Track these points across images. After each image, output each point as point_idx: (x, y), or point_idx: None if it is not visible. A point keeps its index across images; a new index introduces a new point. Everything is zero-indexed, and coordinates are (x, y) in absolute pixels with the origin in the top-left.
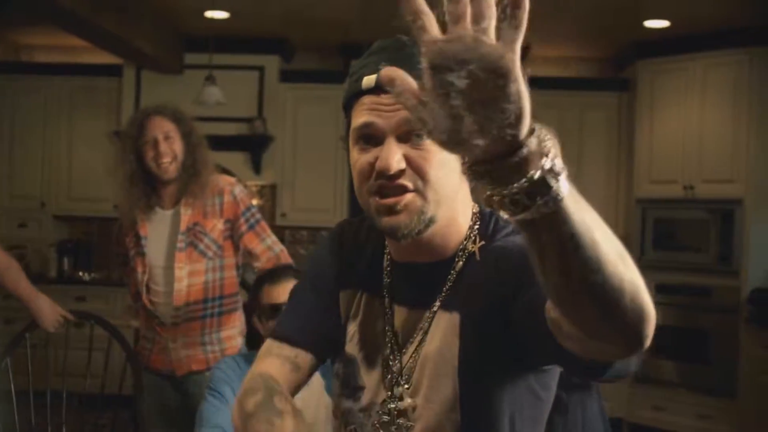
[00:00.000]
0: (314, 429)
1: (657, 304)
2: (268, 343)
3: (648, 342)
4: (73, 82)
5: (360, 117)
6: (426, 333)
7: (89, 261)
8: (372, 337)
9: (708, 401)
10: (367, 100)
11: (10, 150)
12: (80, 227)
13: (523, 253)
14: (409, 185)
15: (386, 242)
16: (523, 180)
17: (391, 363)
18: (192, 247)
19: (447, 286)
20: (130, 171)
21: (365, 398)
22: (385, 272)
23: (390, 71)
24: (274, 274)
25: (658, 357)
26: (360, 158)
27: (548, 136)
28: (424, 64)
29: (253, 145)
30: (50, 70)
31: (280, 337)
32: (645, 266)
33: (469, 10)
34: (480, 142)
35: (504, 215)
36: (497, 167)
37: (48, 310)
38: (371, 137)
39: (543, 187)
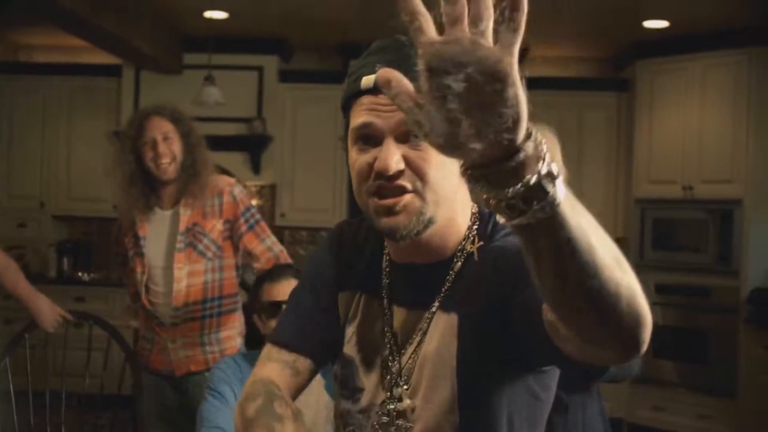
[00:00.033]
0: (314, 429)
1: (656, 304)
2: (268, 348)
3: (644, 347)
4: (72, 82)
5: (358, 117)
6: (425, 334)
7: (88, 261)
8: (371, 339)
9: (708, 401)
10: (365, 100)
11: (9, 150)
12: (79, 227)
13: (521, 253)
14: (408, 186)
15: (385, 243)
16: (520, 185)
17: (390, 364)
18: (191, 247)
19: (446, 287)
20: (129, 171)
21: (364, 399)
22: (384, 273)
23: (387, 73)
24: (274, 272)
25: (658, 357)
26: (358, 159)
27: (545, 141)
28: (420, 66)
29: (253, 146)
30: (49, 70)
31: (279, 343)
32: (644, 266)
33: (466, 12)
34: (477, 146)
35: (500, 219)
36: (493, 171)
37: (47, 310)
38: (370, 137)
39: (539, 192)
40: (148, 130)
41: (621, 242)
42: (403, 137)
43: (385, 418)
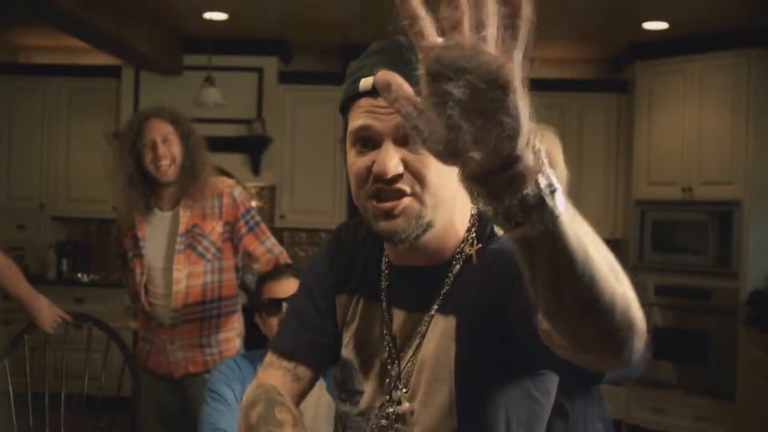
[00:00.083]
0: (315, 430)
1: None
2: (270, 354)
3: (637, 356)
4: (71, 83)
5: (357, 120)
6: (423, 337)
7: (88, 262)
8: (369, 341)
9: (706, 403)
10: (364, 102)
11: (9, 151)
12: (79, 228)
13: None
14: (407, 189)
15: (384, 245)
16: (518, 196)
17: (389, 367)
18: (191, 249)
19: (444, 290)
20: (128, 173)
21: (363, 402)
22: (383, 276)
23: (386, 75)
24: (275, 271)
25: (657, 359)
26: (357, 161)
27: (547, 152)
28: (421, 71)
29: (252, 147)
30: (49, 71)
31: (278, 352)
32: (644, 268)
33: (467, 17)
34: (476, 154)
35: (498, 230)
36: (492, 181)
37: (46, 310)
38: (368, 140)
39: (539, 205)
40: (148, 132)
41: (620, 244)
42: (402, 140)
43: (384, 422)
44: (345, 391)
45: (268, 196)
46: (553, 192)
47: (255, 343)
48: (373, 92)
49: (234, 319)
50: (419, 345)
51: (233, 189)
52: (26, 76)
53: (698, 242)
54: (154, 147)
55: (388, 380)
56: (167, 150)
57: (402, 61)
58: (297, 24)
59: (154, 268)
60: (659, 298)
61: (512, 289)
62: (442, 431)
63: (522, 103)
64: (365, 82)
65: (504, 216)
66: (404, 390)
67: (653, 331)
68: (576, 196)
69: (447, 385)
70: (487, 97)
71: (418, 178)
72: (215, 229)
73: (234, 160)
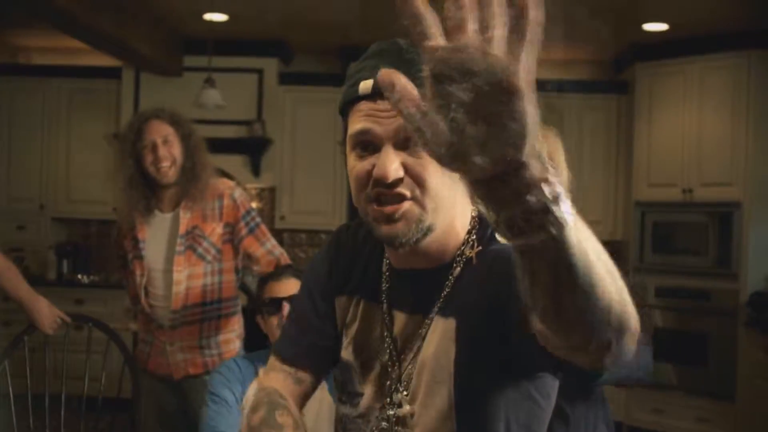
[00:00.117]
0: (317, 430)
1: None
2: (272, 359)
3: (629, 355)
4: (72, 84)
5: (357, 123)
6: (424, 339)
7: (88, 264)
8: (370, 344)
9: (707, 404)
10: (364, 106)
11: (9, 152)
12: (79, 230)
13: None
14: (407, 194)
15: (385, 247)
16: (522, 204)
17: (390, 370)
18: (191, 250)
19: (445, 292)
20: (128, 174)
21: (363, 404)
22: (384, 277)
23: (389, 74)
24: (276, 272)
25: (657, 360)
26: (357, 165)
27: (551, 161)
28: (424, 72)
29: (252, 148)
30: (49, 72)
31: (279, 357)
32: (644, 269)
33: (472, 17)
34: (479, 159)
35: (500, 238)
36: (495, 189)
37: (46, 312)
38: (368, 144)
39: (542, 212)
40: (148, 133)
41: (620, 245)
42: (402, 144)
43: (384, 424)
44: (345, 393)
45: (268, 197)
46: (557, 199)
47: (255, 345)
48: (373, 95)
49: (234, 321)
50: (420, 347)
51: (233, 190)
52: (26, 77)
53: (698, 244)
54: (154, 148)
55: (388, 383)
56: (167, 151)
57: (402, 62)
58: (297, 25)
59: (154, 270)
60: (659, 300)
61: (511, 289)
62: None
63: (529, 108)
64: (365, 85)
65: (506, 224)
66: (405, 393)
67: (653, 332)
68: (576, 197)
69: (446, 387)
70: (492, 100)
71: (419, 182)
72: (215, 230)
73: (234, 162)
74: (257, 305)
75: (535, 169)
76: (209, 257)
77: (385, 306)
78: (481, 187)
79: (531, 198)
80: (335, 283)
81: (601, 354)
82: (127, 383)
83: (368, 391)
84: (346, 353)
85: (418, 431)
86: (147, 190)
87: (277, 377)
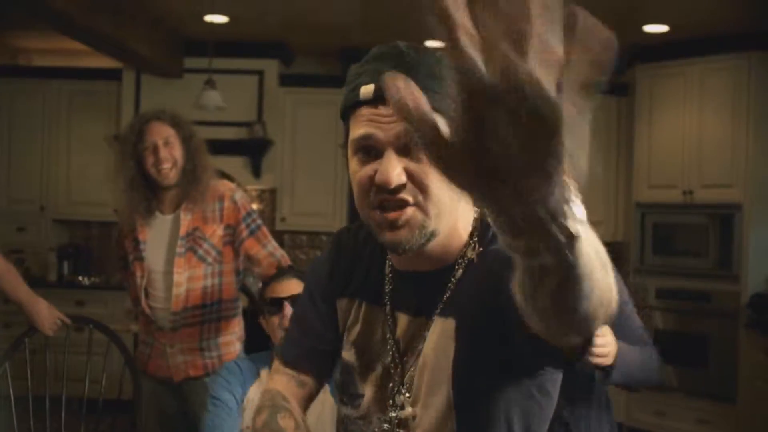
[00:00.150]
0: (319, 430)
1: (656, 309)
2: (276, 362)
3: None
4: (72, 85)
5: (359, 128)
6: (425, 341)
7: (88, 265)
8: (372, 345)
9: (707, 406)
10: (365, 111)
11: (9, 154)
12: (80, 231)
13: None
14: (410, 199)
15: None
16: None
17: (392, 372)
18: (191, 252)
19: (447, 294)
20: (129, 176)
21: (364, 406)
22: (387, 279)
23: (393, 80)
24: (278, 273)
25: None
26: (359, 171)
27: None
28: (457, 91)
29: (253, 150)
30: (49, 74)
31: (283, 361)
32: (644, 271)
33: (530, 34)
34: (504, 189)
35: (505, 248)
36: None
37: (46, 313)
38: (370, 149)
39: (560, 237)
40: (149, 135)
41: (621, 247)
42: (404, 149)
43: (386, 426)
44: (346, 395)
45: (269, 198)
46: (573, 219)
47: (255, 347)
48: (375, 100)
49: (234, 323)
50: (422, 349)
51: (234, 192)
52: (26, 78)
53: (699, 245)
54: (155, 150)
55: (391, 384)
56: (168, 153)
57: (403, 66)
58: (297, 27)
59: (154, 271)
60: (660, 302)
61: (511, 288)
62: None
63: (569, 146)
64: (366, 90)
65: (523, 248)
66: (407, 395)
67: (654, 334)
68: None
69: (445, 388)
70: (533, 134)
71: (421, 187)
72: (216, 232)
73: (234, 163)
74: (259, 306)
75: (559, 194)
76: (210, 259)
77: (388, 308)
78: (497, 212)
79: (553, 227)
80: (336, 286)
81: (578, 340)
82: (128, 385)
83: (369, 392)
84: (348, 355)
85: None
86: (148, 192)
87: (280, 380)
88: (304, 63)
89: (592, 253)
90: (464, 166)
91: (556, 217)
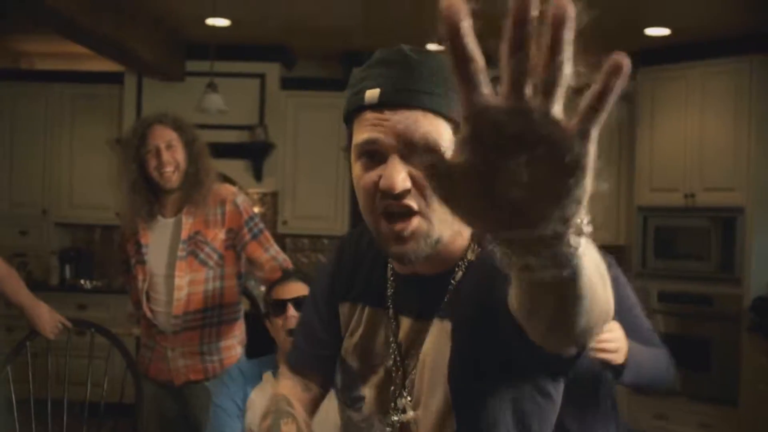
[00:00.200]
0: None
1: (658, 312)
2: (283, 366)
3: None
4: (74, 89)
5: (363, 133)
6: (425, 343)
7: (90, 269)
8: (373, 348)
9: (709, 410)
10: (369, 115)
11: (11, 157)
12: (82, 235)
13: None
14: (414, 206)
15: None
16: (541, 252)
17: (393, 375)
18: (193, 256)
19: (447, 296)
20: (132, 179)
21: (366, 408)
22: (389, 283)
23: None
24: (283, 276)
25: None
26: (364, 176)
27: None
28: (466, 132)
29: (255, 153)
30: (51, 78)
31: (289, 366)
32: (646, 275)
33: (534, 68)
34: (514, 232)
35: (504, 266)
36: (516, 239)
37: (47, 317)
38: (375, 154)
39: (562, 257)
40: (152, 138)
41: (623, 250)
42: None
43: (388, 429)
44: (348, 397)
45: (271, 202)
46: (578, 246)
47: (257, 351)
48: (379, 105)
49: (235, 327)
50: (422, 352)
51: (236, 196)
52: (29, 82)
53: (701, 249)
54: (158, 153)
55: (393, 388)
56: (171, 156)
57: (407, 71)
58: (299, 30)
59: (156, 275)
60: (662, 305)
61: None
62: None
63: (588, 184)
64: (371, 94)
65: (520, 266)
66: (408, 398)
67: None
68: None
69: (442, 389)
70: (550, 176)
71: (425, 194)
72: (218, 236)
73: (236, 166)
74: (264, 308)
75: (563, 215)
76: (211, 263)
77: (391, 311)
78: (502, 236)
79: (557, 249)
80: (338, 291)
81: (574, 351)
82: (130, 389)
83: (371, 395)
84: (350, 358)
85: None
86: (150, 195)
87: (286, 384)
88: (305, 66)
89: (593, 268)
90: (464, 187)
91: (558, 238)
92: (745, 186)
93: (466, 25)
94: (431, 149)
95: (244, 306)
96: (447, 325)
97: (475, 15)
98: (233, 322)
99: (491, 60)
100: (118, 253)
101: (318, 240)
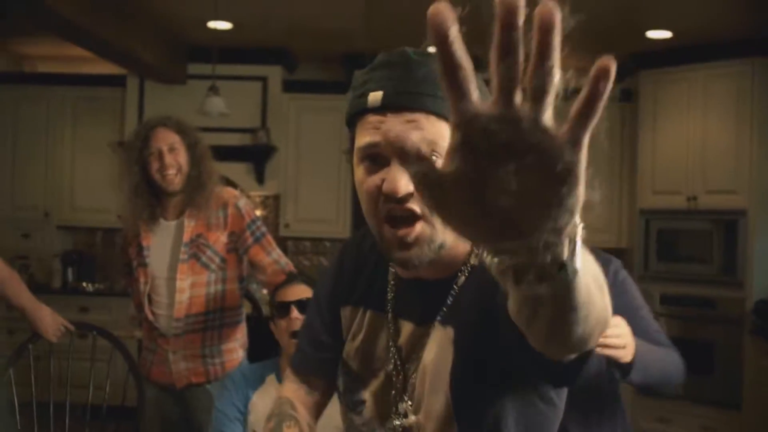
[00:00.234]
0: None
1: (661, 315)
2: (288, 370)
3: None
4: (76, 92)
5: (365, 136)
6: (426, 348)
7: (93, 271)
8: (374, 352)
9: (712, 413)
10: (372, 118)
11: (13, 160)
12: (84, 238)
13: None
14: (418, 210)
15: None
16: (534, 263)
17: (394, 379)
18: (194, 258)
19: (449, 302)
20: (134, 182)
21: (367, 412)
22: (390, 287)
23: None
24: (287, 279)
25: None
26: (367, 180)
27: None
28: (456, 139)
29: (256, 156)
30: (53, 81)
31: (293, 370)
32: (649, 277)
33: (528, 77)
34: (506, 244)
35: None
36: (507, 246)
37: (49, 320)
38: (377, 157)
39: (556, 269)
40: (154, 141)
41: (625, 253)
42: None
43: None
44: (349, 401)
45: (273, 205)
46: (574, 252)
47: (259, 354)
48: (382, 108)
49: (237, 330)
50: (423, 357)
51: (238, 199)
52: (30, 85)
53: (703, 251)
54: (160, 156)
55: (393, 392)
56: (174, 159)
57: (410, 74)
58: (301, 33)
59: (157, 278)
60: (664, 308)
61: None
62: None
63: (581, 194)
64: (374, 97)
65: (512, 276)
66: (409, 402)
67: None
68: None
69: (444, 396)
70: (541, 185)
71: None
72: (220, 239)
73: (238, 169)
74: (268, 311)
75: (555, 225)
76: (213, 266)
77: (390, 315)
78: (491, 244)
79: (547, 257)
80: (340, 294)
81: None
82: (132, 391)
83: (372, 399)
84: (352, 362)
85: None
86: (152, 198)
87: (291, 387)
88: (307, 69)
89: (589, 276)
90: (455, 195)
91: (551, 248)
92: (747, 189)
93: (454, 32)
94: (421, 157)
95: (246, 309)
96: (449, 331)
97: (463, 21)
98: (235, 325)
99: (482, 64)
100: (120, 256)
101: (320, 243)
